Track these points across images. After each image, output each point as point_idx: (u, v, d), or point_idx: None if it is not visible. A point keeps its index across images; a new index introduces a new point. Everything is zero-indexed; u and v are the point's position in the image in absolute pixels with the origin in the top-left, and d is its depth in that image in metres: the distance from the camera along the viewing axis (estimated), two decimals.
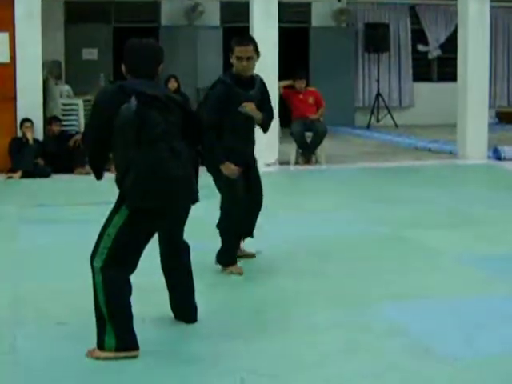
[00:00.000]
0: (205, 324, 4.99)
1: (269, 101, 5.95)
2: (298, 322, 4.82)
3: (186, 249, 4.69)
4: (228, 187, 5.70)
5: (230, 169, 5.49)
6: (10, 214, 9.01)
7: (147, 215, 4.17)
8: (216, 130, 5.52)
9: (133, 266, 4.23)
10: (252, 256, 6.29)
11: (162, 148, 4.08)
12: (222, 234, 5.81)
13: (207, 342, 4.70)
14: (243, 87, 5.65)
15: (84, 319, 4.71)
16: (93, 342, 4.26)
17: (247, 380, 4.03)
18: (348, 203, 9.17)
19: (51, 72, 13.94)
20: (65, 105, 13.53)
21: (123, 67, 4.37)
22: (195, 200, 4.42)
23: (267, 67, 11.85)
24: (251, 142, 5.94)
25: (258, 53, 5.70)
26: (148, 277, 5.17)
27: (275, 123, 11.80)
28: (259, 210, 6.17)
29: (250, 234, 6.24)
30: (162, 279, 4.74)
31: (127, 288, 4.21)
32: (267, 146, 12.11)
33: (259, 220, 6.91)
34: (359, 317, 4.90)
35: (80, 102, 13.72)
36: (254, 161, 6.09)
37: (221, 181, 5.74)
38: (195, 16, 17.68)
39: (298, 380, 4.03)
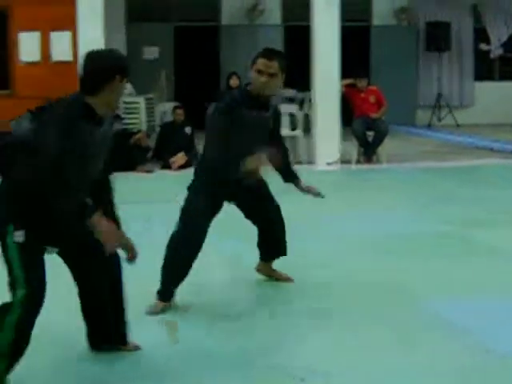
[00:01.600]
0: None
1: (279, 131, 5.33)
2: (357, 315, 4.70)
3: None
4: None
5: None
6: None
7: None
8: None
9: None
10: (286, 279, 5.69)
11: None
12: None
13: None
14: (253, 107, 4.91)
15: None
16: None
17: (306, 378, 3.93)
18: (409, 202, 9.06)
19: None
20: (126, 103, 13.42)
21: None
22: None
23: (329, 66, 12.04)
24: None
25: (283, 72, 4.91)
26: None
27: (336, 122, 12.02)
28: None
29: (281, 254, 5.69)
30: None
31: None
32: (328, 144, 12.16)
33: (320, 218, 7.35)
34: (418, 314, 4.81)
35: (142, 100, 13.69)
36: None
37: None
38: (256, 15, 17.71)
39: (356, 377, 3.95)
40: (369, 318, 4.76)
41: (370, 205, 8.93)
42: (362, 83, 12.08)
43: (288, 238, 5.81)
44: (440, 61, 18.03)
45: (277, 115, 5.23)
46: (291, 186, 5.61)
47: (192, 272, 4.89)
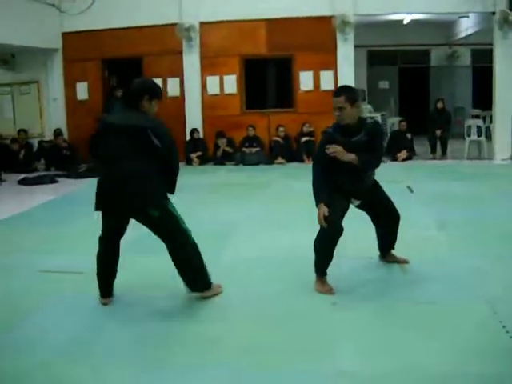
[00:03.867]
0: None
1: (378, 144, 5.26)
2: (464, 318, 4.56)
3: None
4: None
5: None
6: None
7: None
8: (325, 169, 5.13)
9: None
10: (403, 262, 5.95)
11: None
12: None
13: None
14: (346, 134, 5.10)
15: None
16: None
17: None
18: None
19: (359, 96, 16.72)
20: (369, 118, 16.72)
21: None
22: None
23: (506, 93, 14.04)
24: (360, 180, 5.30)
25: (353, 102, 5.04)
26: None
27: (509, 131, 13.91)
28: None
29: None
30: None
31: None
32: (503, 147, 14.23)
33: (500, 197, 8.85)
34: None
35: (378, 115, 16.25)
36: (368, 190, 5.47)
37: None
38: (453, 59, 20.24)
39: None
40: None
41: None
42: None
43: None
44: None
45: (373, 130, 5.20)
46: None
47: None
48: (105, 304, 5.05)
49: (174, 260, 4.97)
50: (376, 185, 5.62)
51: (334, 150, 5.03)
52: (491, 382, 3.67)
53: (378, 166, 5.38)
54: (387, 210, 5.67)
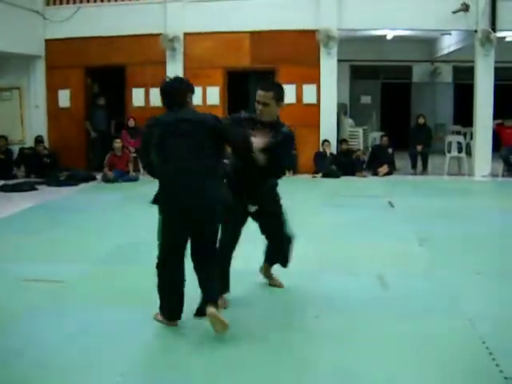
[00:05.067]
0: None
1: (287, 152, 5.04)
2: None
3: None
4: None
5: None
6: (317, 199, 10.93)
7: None
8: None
9: None
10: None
11: None
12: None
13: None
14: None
15: None
16: None
17: None
18: None
19: (341, 110, 16.47)
20: (350, 132, 16.20)
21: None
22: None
23: (486, 111, 14.08)
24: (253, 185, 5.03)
25: (278, 100, 4.82)
26: None
27: (489, 148, 14.00)
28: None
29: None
30: None
31: None
32: (483, 163, 14.25)
33: (476, 210, 9.07)
34: None
35: (360, 130, 16.46)
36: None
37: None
38: (435, 75, 20.37)
39: None
40: None
41: (511, 205, 10.42)
42: (508, 123, 14.35)
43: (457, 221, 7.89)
44: None
45: (287, 141, 4.91)
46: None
47: None
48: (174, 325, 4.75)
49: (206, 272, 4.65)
50: (275, 198, 5.32)
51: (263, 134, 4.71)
52: None
53: (279, 175, 5.15)
54: (272, 230, 5.35)
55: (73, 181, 13.26)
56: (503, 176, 14.27)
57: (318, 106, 14.62)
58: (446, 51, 18.12)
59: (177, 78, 4.82)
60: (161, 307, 4.74)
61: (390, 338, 4.55)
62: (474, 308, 5.13)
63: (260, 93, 4.82)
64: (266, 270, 5.73)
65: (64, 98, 15.48)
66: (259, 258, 5.63)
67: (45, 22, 15.10)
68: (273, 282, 5.72)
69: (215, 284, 4.63)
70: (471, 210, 9.97)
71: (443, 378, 3.92)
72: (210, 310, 4.41)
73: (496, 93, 14.37)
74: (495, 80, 14.47)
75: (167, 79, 4.86)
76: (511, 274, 6.17)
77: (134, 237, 7.59)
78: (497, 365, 4.05)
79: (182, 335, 4.63)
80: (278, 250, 5.45)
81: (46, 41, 15.29)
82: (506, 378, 3.89)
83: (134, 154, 14.21)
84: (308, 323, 4.86)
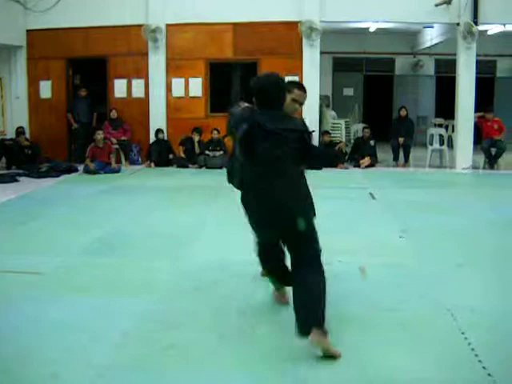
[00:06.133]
0: None
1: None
2: None
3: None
4: None
5: None
6: None
7: None
8: None
9: None
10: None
11: None
12: None
13: None
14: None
15: None
16: None
17: None
18: None
19: (324, 102, 16.50)
20: (333, 124, 16.33)
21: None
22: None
23: (467, 103, 14.20)
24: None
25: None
26: None
27: (470, 141, 14.16)
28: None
29: None
30: None
31: None
32: (464, 156, 14.34)
33: (457, 203, 9.05)
34: None
35: (342, 122, 16.56)
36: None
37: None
38: (417, 68, 20.52)
39: None
40: None
41: (492, 196, 10.53)
42: (489, 115, 14.37)
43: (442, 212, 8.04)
44: None
45: None
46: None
47: None
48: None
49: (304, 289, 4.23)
50: None
51: None
52: None
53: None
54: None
55: (54, 172, 13.16)
56: (484, 168, 14.40)
57: None
58: (428, 44, 18.16)
59: (277, 77, 4.46)
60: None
61: (368, 328, 4.54)
62: (454, 299, 5.12)
63: (299, 93, 4.72)
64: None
65: (45, 88, 15.35)
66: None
67: (26, 11, 14.93)
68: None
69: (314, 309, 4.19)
70: (452, 201, 10.00)
71: (422, 368, 3.91)
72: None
73: (477, 86, 14.48)
74: (477, 73, 14.57)
75: (263, 76, 4.66)
76: (491, 266, 6.18)
77: (115, 228, 7.59)
78: (476, 355, 4.06)
79: (161, 324, 4.59)
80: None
81: (28, 31, 15.14)
82: (484, 368, 3.89)
83: (116, 146, 14.14)
84: (284, 314, 4.75)
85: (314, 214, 4.35)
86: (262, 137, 4.22)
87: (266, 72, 4.81)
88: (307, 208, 4.31)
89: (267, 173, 4.24)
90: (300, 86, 4.85)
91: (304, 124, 4.44)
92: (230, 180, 4.70)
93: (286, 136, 4.22)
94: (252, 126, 4.20)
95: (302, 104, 4.80)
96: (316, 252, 4.33)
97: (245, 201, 4.46)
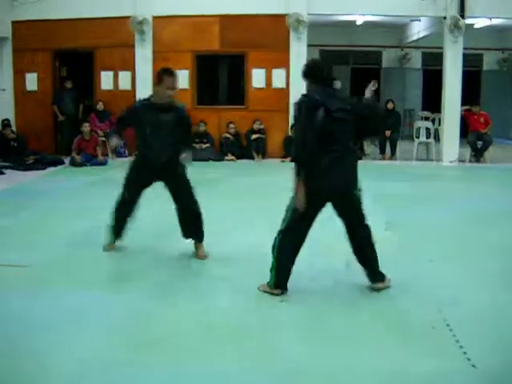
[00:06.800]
0: None
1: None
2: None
3: None
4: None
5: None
6: (286, 184, 11.01)
7: None
8: None
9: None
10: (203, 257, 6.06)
11: None
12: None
13: None
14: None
15: None
16: None
17: None
18: (505, 189, 10.66)
19: None
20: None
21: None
22: None
23: (454, 96, 14.27)
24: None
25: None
26: None
27: (457, 134, 14.24)
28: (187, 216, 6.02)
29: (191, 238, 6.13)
30: None
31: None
32: (451, 149, 14.45)
33: (444, 196, 9.10)
34: None
35: None
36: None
37: None
38: (404, 61, 20.61)
39: None
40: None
41: (477, 190, 10.66)
42: (475, 109, 14.49)
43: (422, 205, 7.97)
44: None
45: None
46: None
47: None
48: None
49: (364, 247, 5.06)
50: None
51: None
52: (435, 380, 3.69)
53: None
54: (182, 200, 5.97)
55: (40, 165, 13.11)
56: (470, 161, 14.50)
57: (287, 90, 14.61)
58: (415, 37, 18.19)
59: (324, 61, 5.09)
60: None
61: (355, 321, 4.57)
62: (439, 292, 5.16)
63: (170, 80, 5.66)
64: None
65: (31, 81, 15.26)
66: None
67: (12, 3, 14.83)
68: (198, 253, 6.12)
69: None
70: (438, 194, 10.04)
71: (409, 359, 3.94)
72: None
73: (464, 79, 14.61)
74: (463, 66, 14.65)
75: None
76: (475, 259, 6.22)
77: (100, 221, 7.47)
78: (461, 346, 4.10)
79: (147, 318, 4.59)
80: (190, 222, 6.08)
81: (13, 23, 15.04)
82: (468, 360, 3.93)
83: (103, 138, 14.09)
84: (273, 308, 4.84)
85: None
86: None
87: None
88: None
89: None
90: (170, 72, 5.57)
91: None
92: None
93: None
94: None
95: (174, 89, 5.55)
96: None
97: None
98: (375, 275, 5.11)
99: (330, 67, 4.87)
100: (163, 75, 5.59)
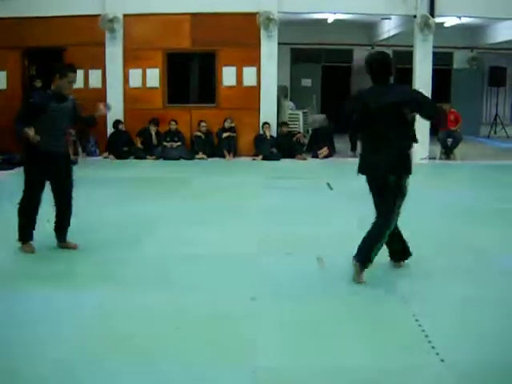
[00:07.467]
0: None
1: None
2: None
3: None
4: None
5: None
6: (257, 182, 11.00)
7: None
8: None
9: None
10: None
11: None
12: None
13: None
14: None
15: None
16: None
17: None
18: (474, 186, 10.92)
19: (282, 93, 16.59)
20: (290, 115, 16.29)
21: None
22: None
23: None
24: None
25: None
26: None
27: (427, 131, 13.94)
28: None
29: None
30: None
31: None
32: (421, 146, 13.43)
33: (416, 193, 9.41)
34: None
35: (300, 113, 16.41)
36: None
37: None
38: None
39: None
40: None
41: (447, 186, 10.88)
42: (445, 107, 13.63)
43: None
44: (498, 93, 20.34)
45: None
46: None
47: None
48: None
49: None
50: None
51: None
52: (405, 374, 3.72)
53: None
54: (61, 193, 6.32)
55: (8, 165, 12.95)
56: (441, 159, 14.64)
57: (258, 88, 14.69)
58: (386, 35, 18.23)
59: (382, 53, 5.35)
60: None
61: (327, 315, 4.61)
62: (407, 287, 5.23)
63: (73, 75, 6.15)
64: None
65: (0, 79, 15.05)
66: None
67: None
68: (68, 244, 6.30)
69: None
70: (409, 191, 9.97)
71: (379, 353, 3.98)
72: None
73: (434, 77, 14.64)
74: (434, 65, 14.71)
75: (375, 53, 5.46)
76: (444, 254, 6.31)
77: (71, 221, 7.43)
78: (429, 341, 4.13)
79: (118, 316, 4.57)
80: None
81: None
82: (437, 354, 3.97)
83: (74, 138, 13.95)
84: (244, 305, 4.86)
85: None
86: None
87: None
88: None
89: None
90: (73, 69, 6.12)
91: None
92: None
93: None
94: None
95: (74, 82, 6.12)
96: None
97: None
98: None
99: (381, 63, 5.21)
100: (68, 71, 6.08)
